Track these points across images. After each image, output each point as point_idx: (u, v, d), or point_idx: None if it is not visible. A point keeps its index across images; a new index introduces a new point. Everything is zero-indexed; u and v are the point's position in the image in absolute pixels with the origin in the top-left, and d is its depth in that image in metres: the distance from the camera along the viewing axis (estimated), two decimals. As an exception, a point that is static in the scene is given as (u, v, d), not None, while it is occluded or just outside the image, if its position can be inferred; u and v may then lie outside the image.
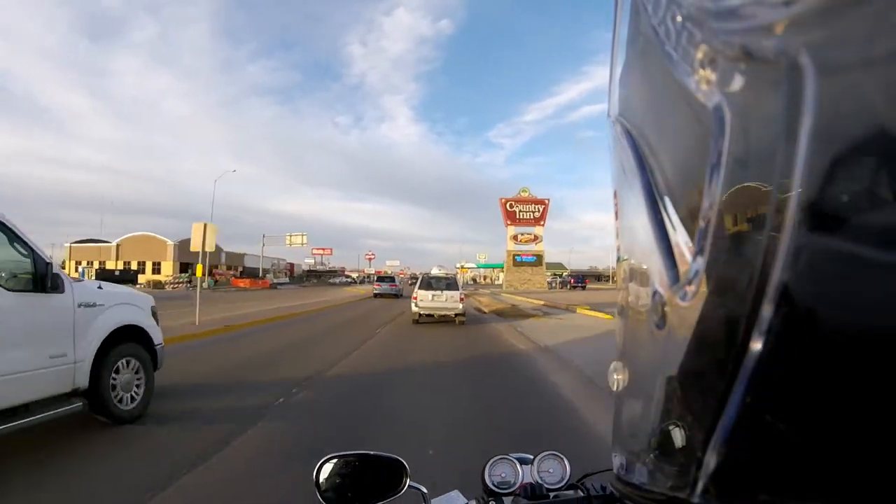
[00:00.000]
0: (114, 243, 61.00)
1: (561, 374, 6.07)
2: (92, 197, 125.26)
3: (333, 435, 3.76)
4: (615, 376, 0.43)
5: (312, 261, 73.78)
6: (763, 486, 0.24)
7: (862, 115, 0.20)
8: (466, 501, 0.83)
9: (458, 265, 60.48)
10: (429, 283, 13.30)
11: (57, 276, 3.35)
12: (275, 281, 52.72)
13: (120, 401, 3.80)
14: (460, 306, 12.53)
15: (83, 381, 3.47)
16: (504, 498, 0.82)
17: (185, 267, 46.87)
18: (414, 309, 12.71)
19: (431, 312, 12.65)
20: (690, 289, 0.27)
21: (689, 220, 0.28)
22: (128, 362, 3.95)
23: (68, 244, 65.08)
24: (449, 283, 13.20)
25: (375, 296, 26.88)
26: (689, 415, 0.28)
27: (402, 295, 26.94)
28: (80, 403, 3.46)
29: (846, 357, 0.21)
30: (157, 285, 41.65)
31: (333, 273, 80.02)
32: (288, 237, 45.63)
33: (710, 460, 0.25)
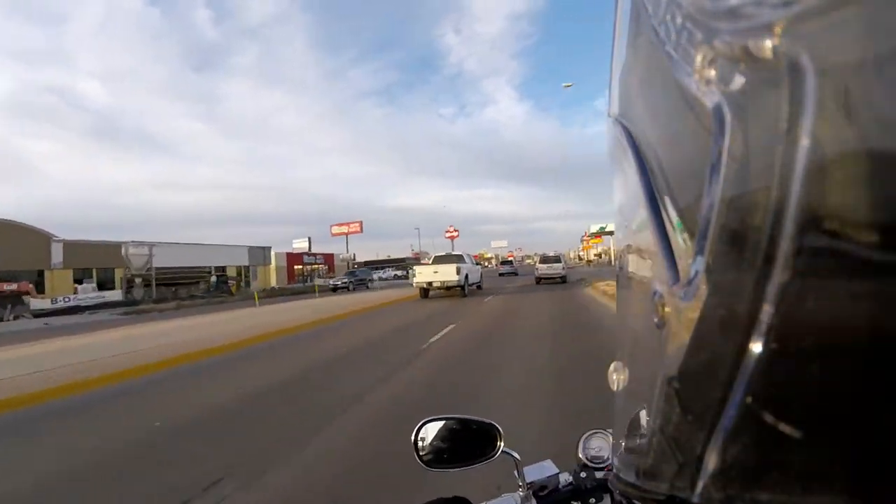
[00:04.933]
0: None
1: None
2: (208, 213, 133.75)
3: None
4: (615, 376, 0.44)
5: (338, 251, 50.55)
6: (763, 485, 0.24)
7: (862, 115, 0.19)
8: (558, 471, 0.82)
9: (587, 233, 64.21)
10: (545, 258, 24.05)
11: (479, 265, 22.69)
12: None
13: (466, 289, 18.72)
14: (563, 272, 22.46)
15: (477, 280, 20.90)
16: (597, 472, 0.80)
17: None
18: (536, 275, 23.01)
19: (546, 276, 22.52)
20: (690, 289, 0.27)
21: (689, 220, 0.28)
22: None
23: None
24: (556, 259, 23.43)
25: (500, 275, 36.30)
26: (689, 415, 0.28)
27: (518, 273, 36.83)
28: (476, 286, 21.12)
29: (846, 357, 0.21)
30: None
31: (386, 264, 63.45)
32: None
33: (710, 460, 0.26)
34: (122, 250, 28.91)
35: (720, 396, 0.25)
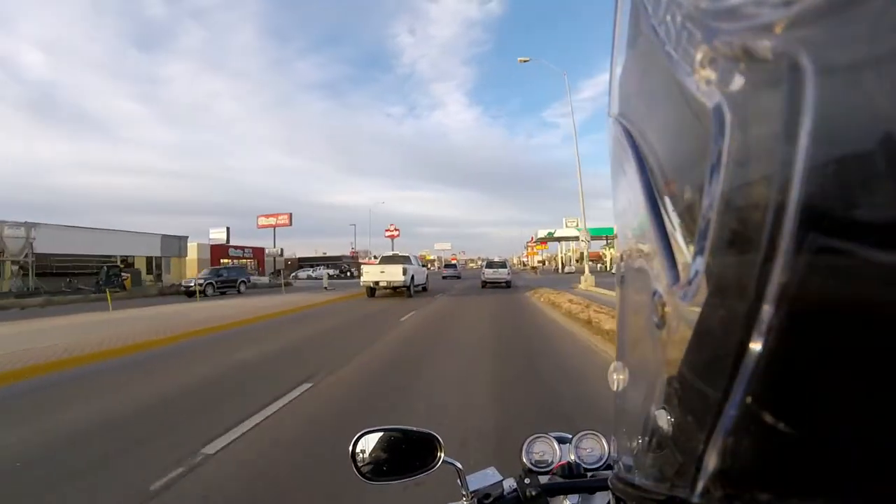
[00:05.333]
0: None
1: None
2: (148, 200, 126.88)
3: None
4: (615, 376, 0.44)
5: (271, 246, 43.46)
6: (763, 486, 0.24)
7: (862, 115, 0.20)
8: (501, 478, 0.82)
9: (532, 239, 63.14)
10: (490, 263, 24.78)
11: (425, 266, 23.60)
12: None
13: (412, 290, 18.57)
14: (508, 277, 23.28)
15: (423, 282, 20.79)
16: (541, 476, 0.81)
17: None
18: (482, 279, 23.72)
19: (492, 281, 23.10)
20: (690, 289, 0.27)
21: (689, 221, 0.28)
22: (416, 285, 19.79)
23: None
24: (502, 264, 24.41)
25: (444, 278, 35.22)
26: (689, 415, 0.29)
27: (461, 277, 36.30)
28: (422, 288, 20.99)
29: (846, 357, 0.21)
30: None
31: (322, 261, 58.26)
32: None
33: (710, 460, 0.26)
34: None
35: (720, 396, 0.25)
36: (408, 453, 0.80)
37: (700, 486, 0.26)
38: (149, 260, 33.88)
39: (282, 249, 45.29)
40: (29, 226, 24.98)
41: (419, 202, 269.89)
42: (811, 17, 0.20)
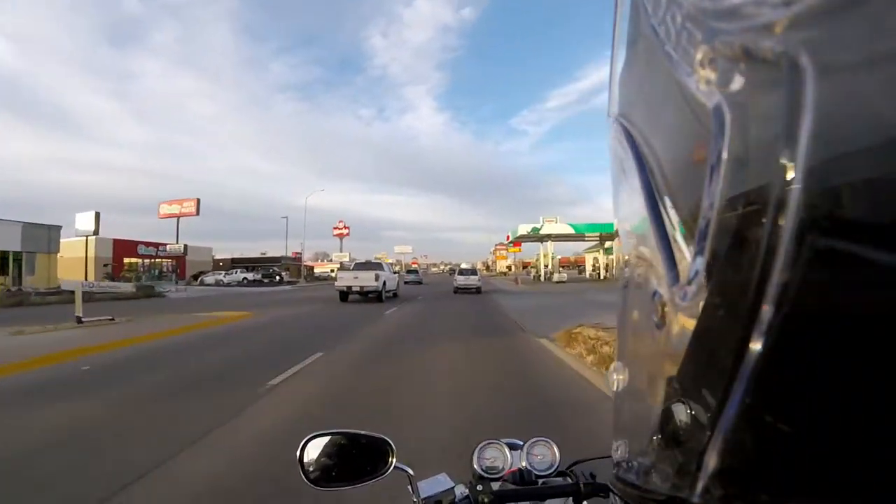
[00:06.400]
0: None
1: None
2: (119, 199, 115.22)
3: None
4: (615, 376, 0.44)
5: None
6: (763, 486, 0.24)
7: (862, 115, 0.20)
8: (453, 484, 0.82)
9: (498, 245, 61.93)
10: (461, 270, 26.90)
11: (396, 273, 24.23)
12: None
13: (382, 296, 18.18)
14: (478, 284, 24.82)
15: (394, 288, 20.64)
16: (492, 483, 0.80)
17: None
18: (455, 284, 24.95)
19: (463, 287, 24.52)
20: (690, 289, 0.27)
21: (689, 220, 0.28)
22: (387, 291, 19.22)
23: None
24: (473, 271, 26.47)
25: (405, 283, 32.64)
26: (689, 415, 0.29)
27: (422, 282, 36.74)
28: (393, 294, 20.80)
29: (846, 357, 0.21)
30: None
31: (251, 264, 47.54)
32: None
33: (710, 460, 0.26)
34: None
35: (720, 396, 0.25)
36: (359, 458, 0.77)
37: (700, 485, 0.26)
38: (4, 256, 24.06)
39: (185, 246, 33.55)
40: None
41: (387, 206, 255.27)
42: (811, 17, 0.20)
